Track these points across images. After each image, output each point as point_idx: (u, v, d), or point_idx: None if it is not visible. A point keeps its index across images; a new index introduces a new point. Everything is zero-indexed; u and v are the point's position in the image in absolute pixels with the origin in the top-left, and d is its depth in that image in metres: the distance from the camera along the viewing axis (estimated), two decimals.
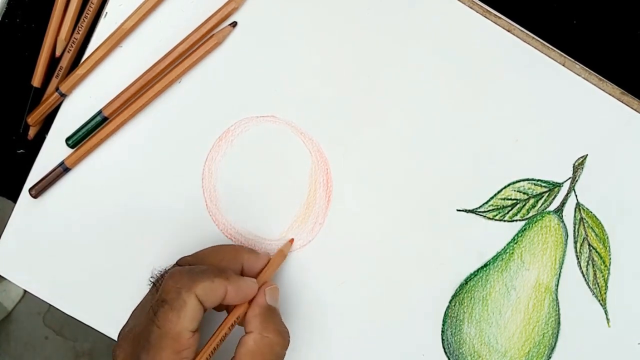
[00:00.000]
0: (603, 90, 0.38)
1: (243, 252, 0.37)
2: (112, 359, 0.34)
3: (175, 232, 0.41)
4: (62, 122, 0.42)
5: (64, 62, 0.41)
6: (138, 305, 0.36)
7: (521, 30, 0.38)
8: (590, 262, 0.39)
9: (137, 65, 0.40)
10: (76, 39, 0.41)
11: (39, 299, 0.43)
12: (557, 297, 0.39)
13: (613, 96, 0.38)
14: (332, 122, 0.40)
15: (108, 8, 0.41)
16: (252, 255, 0.37)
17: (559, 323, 0.39)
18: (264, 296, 0.35)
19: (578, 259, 0.39)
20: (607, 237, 0.39)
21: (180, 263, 0.36)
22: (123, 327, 0.35)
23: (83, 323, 0.42)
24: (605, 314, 0.39)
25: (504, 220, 0.39)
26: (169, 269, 0.35)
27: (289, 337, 0.35)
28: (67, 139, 0.41)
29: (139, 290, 0.40)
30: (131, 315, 0.36)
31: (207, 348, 0.33)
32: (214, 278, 0.33)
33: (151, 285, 0.36)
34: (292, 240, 0.40)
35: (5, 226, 0.43)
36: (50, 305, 0.43)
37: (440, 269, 0.40)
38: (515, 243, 0.39)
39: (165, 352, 0.31)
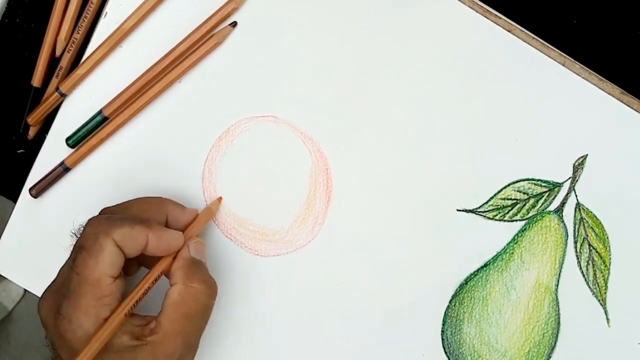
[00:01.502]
0: (603, 90, 0.38)
1: (168, 203, 0.37)
2: (38, 313, 0.34)
3: None
4: (62, 122, 0.42)
5: (64, 62, 0.41)
6: (62, 265, 0.35)
7: (521, 30, 0.38)
8: (590, 262, 0.39)
9: (137, 65, 0.40)
10: (76, 39, 0.41)
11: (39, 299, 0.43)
12: (557, 297, 0.39)
13: (613, 96, 0.38)
14: (332, 122, 0.40)
15: (108, 8, 0.41)
16: (177, 207, 0.37)
17: (559, 323, 0.39)
18: (188, 249, 0.35)
19: (578, 259, 0.39)
20: (607, 237, 0.39)
21: (102, 212, 0.36)
22: (46, 287, 0.35)
23: None
24: (605, 314, 0.39)
25: (504, 220, 0.39)
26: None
27: (216, 287, 0.35)
28: (67, 139, 0.41)
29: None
30: (58, 273, 0.35)
31: (130, 299, 0.32)
32: (133, 225, 0.32)
33: (73, 237, 0.35)
34: (220, 199, 0.40)
35: (5, 226, 0.43)
36: None
37: (440, 269, 0.40)
38: (515, 243, 0.39)
39: (85, 298, 0.31)
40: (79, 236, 0.34)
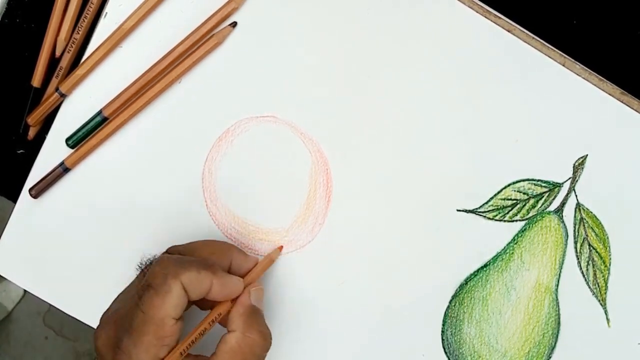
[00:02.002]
0: (603, 90, 0.38)
1: (233, 250, 0.38)
2: (94, 341, 0.34)
3: (175, 232, 0.41)
4: (62, 122, 0.42)
5: (64, 62, 0.41)
6: (123, 290, 0.36)
7: (521, 30, 0.38)
8: (590, 262, 0.39)
9: (137, 65, 0.40)
10: (76, 39, 0.41)
11: (39, 299, 0.43)
12: (557, 297, 0.39)
13: (613, 96, 0.38)
14: (332, 122, 0.40)
15: (108, 8, 0.41)
16: (241, 254, 0.38)
17: (559, 323, 0.39)
18: (249, 296, 0.35)
19: (578, 259, 0.39)
20: (607, 237, 0.39)
21: (170, 251, 0.36)
22: (106, 311, 0.35)
23: (83, 323, 0.42)
24: (605, 314, 0.39)
25: (504, 221, 0.39)
26: (157, 256, 0.36)
27: (271, 339, 0.35)
28: (67, 139, 0.41)
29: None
30: (115, 299, 0.36)
31: (186, 340, 0.33)
32: (200, 269, 0.33)
33: (139, 270, 0.36)
34: (281, 248, 0.41)
35: (5, 226, 0.43)
36: (50, 305, 0.43)
37: (440, 269, 0.40)
38: (515, 243, 0.39)
39: (147, 337, 0.31)
40: (144, 268, 0.35)
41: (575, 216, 0.39)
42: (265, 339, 0.35)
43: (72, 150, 0.41)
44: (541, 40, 0.38)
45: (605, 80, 0.38)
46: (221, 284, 0.34)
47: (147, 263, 0.36)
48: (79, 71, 0.41)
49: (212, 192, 0.41)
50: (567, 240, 0.39)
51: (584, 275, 0.39)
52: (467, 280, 0.40)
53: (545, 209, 0.39)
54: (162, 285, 0.32)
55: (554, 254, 0.39)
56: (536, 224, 0.39)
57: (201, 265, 0.33)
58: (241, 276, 0.37)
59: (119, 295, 0.36)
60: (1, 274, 0.43)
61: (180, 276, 0.32)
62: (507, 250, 0.39)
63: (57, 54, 0.41)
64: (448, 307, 0.40)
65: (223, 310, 0.35)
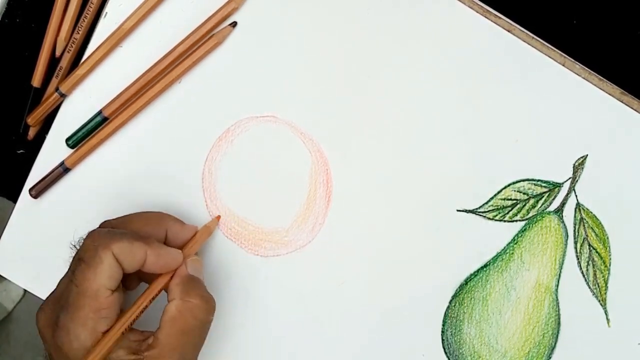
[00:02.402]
0: (603, 90, 0.38)
1: (168, 219, 0.37)
2: (36, 324, 0.34)
3: None
4: (62, 122, 0.42)
5: (64, 62, 0.41)
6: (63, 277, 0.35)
7: (521, 30, 0.38)
8: (590, 262, 0.39)
9: (137, 65, 0.40)
10: (76, 39, 0.41)
11: (39, 299, 0.43)
12: (557, 297, 0.39)
13: (613, 96, 0.38)
14: (332, 122, 0.40)
15: (108, 8, 0.41)
16: (177, 223, 0.37)
17: (559, 323, 0.39)
18: (186, 267, 0.35)
19: (578, 259, 0.39)
20: (607, 237, 0.39)
21: (103, 226, 0.36)
22: (45, 298, 0.35)
23: None
24: (605, 314, 0.39)
25: (504, 221, 0.39)
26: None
27: (214, 303, 0.35)
28: (67, 139, 0.41)
29: (139, 289, 0.40)
30: (57, 284, 0.35)
31: (129, 317, 0.33)
32: (132, 240, 0.33)
33: (74, 250, 0.35)
34: (218, 217, 0.40)
35: (5, 226, 0.43)
36: None
37: (440, 269, 0.40)
38: (515, 243, 0.39)
39: (83, 311, 0.31)
40: (78, 248, 0.34)
41: (575, 216, 0.39)
42: (207, 302, 0.34)
43: (72, 150, 0.41)
44: (541, 40, 0.38)
45: (605, 80, 0.38)
46: (156, 255, 0.33)
47: (79, 241, 0.35)
48: (79, 71, 0.41)
49: (212, 192, 0.41)
50: (567, 240, 0.39)
51: (584, 275, 0.39)
52: (467, 280, 0.40)
53: (545, 209, 0.39)
54: (93, 257, 0.32)
55: (554, 254, 0.39)
56: (536, 224, 0.39)
57: (133, 237, 0.33)
58: (179, 247, 0.36)
59: (59, 280, 0.35)
60: (1, 274, 0.43)
61: (112, 247, 0.32)
62: (507, 251, 0.39)
63: (57, 54, 0.41)
64: (448, 307, 0.40)
65: (163, 283, 0.34)
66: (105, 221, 0.36)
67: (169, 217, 0.38)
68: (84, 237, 0.34)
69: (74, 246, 0.35)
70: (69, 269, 0.33)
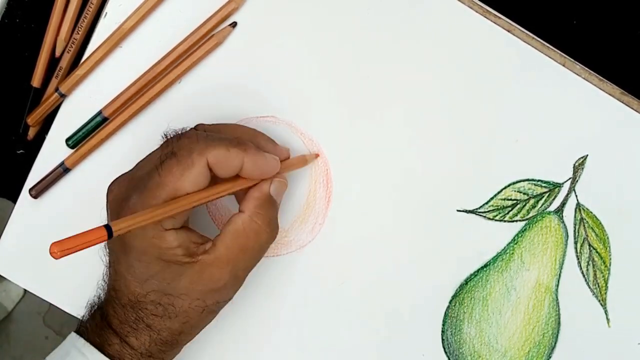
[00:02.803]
0: (603, 90, 0.38)
1: (261, 136, 0.37)
2: (106, 194, 0.34)
3: None
4: (62, 122, 0.42)
5: (64, 62, 0.41)
6: (143, 159, 0.35)
7: (521, 30, 0.38)
8: (590, 262, 0.39)
9: (137, 65, 0.40)
10: (76, 39, 0.41)
11: (39, 299, 0.43)
12: (557, 297, 0.39)
13: (613, 96, 0.38)
14: (332, 122, 0.40)
15: (108, 8, 0.41)
16: (269, 142, 0.37)
17: (559, 323, 0.39)
18: (269, 184, 0.34)
19: (578, 259, 0.39)
20: (608, 238, 0.39)
21: (197, 128, 0.36)
22: (121, 174, 0.35)
23: None
24: (605, 314, 0.39)
25: (504, 221, 0.39)
26: (184, 129, 0.35)
27: (277, 232, 0.35)
28: (67, 139, 0.41)
29: None
30: (135, 165, 0.35)
31: (199, 197, 0.32)
32: (230, 147, 0.32)
33: (164, 139, 0.35)
34: (317, 155, 0.40)
35: (5, 226, 0.43)
36: (51, 305, 0.43)
37: (440, 269, 0.40)
38: (516, 243, 0.39)
39: (156, 201, 0.31)
40: (168, 139, 0.34)
41: (575, 216, 0.39)
42: (272, 229, 0.34)
43: (72, 150, 0.41)
44: (541, 40, 0.38)
45: (605, 80, 0.38)
46: (253, 162, 0.33)
47: (173, 134, 0.35)
48: (79, 71, 0.41)
49: None
50: (567, 240, 0.39)
51: (584, 275, 0.39)
52: (467, 280, 0.40)
53: (546, 209, 0.39)
54: (186, 158, 0.31)
55: (554, 254, 0.39)
56: (536, 224, 0.39)
57: (231, 143, 0.32)
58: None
59: (137, 163, 0.35)
60: (1, 274, 0.43)
61: (207, 153, 0.32)
62: (507, 251, 0.39)
63: (57, 54, 0.41)
64: (448, 307, 0.40)
65: (247, 185, 0.34)
66: (199, 124, 0.35)
67: (262, 134, 0.37)
68: (179, 130, 0.34)
69: (165, 135, 0.35)
70: (156, 155, 0.33)
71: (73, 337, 0.34)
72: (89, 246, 0.26)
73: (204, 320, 0.35)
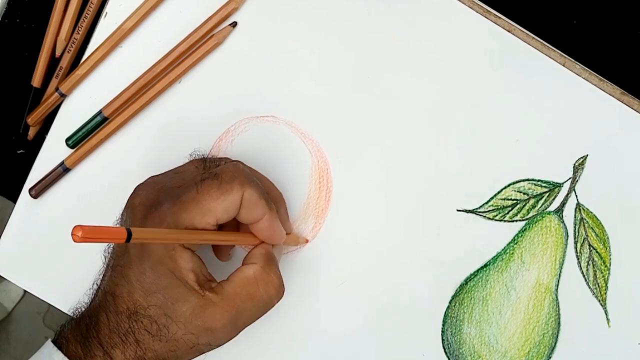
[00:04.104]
0: (603, 90, 0.38)
1: (282, 204, 0.38)
2: (130, 197, 0.34)
3: None
4: (62, 122, 0.42)
5: (64, 62, 0.41)
6: (170, 170, 0.36)
7: (521, 30, 0.38)
8: (590, 262, 0.39)
9: (137, 65, 0.40)
10: (76, 39, 0.41)
11: (39, 299, 0.43)
12: (557, 297, 0.39)
13: (613, 96, 0.38)
14: (333, 122, 0.40)
15: (108, 8, 0.41)
16: (287, 215, 0.38)
17: (559, 323, 0.39)
18: (271, 247, 0.35)
19: (578, 259, 0.39)
20: (608, 238, 0.39)
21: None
22: (144, 181, 0.35)
23: None
24: (606, 314, 0.39)
25: (504, 221, 0.39)
26: (223, 158, 0.36)
27: (283, 292, 0.35)
28: (67, 139, 0.41)
29: None
30: (156, 175, 0.35)
31: (216, 234, 0.32)
32: (262, 196, 0.33)
33: (194, 158, 0.36)
34: (307, 240, 0.41)
35: (5, 226, 0.43)
36: (50, 305, 0.43)
37: (440, 269, 0.40)
38: (516, 243, 0.39)
39: (188, 216, 0.31)
40: (205, 161, 0.35)
41: (575, 216, 0.39)
42: (281, 285, 0.34)
43: (72, 150, 0.41)
44: (541, 40, 0.38)
45: (605, 80, 0.38)
46: (269, 222, 0.33)
47: (210, 157, 0.35)
48: (79, 71, 0.41)
49: None
50: (567, 240, 0.39)
51: (584, 276, 0.39)
52: (467, 280, 0.40)
53: (546, 209, 0.39)
54: (228, 183, 0.32)
55: (554, 254, 0.39)
56: (536, 224, 0.39)
57: (264, 193, 0.33)
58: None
59: (161, 174, 0.36)
60: (1, 274, 0.43)
61: (246, 188, 0.32)
62: (507, 250, 0.39)
63: (57, 54, 0.41)
64: (448, 307, 0.40)
65: (248, 241, 0.35)
66: (244, 164, 0.36)
67: (285, 205, 0.38)
68: (216, 157, 0.34)
69: (197, 155, 0.36)
70: (197, 171, 0.34)
71: (50, 348, 0.33)
72: (107, 242, 0.26)
73: (189, 356, 0.34)
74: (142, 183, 0.35)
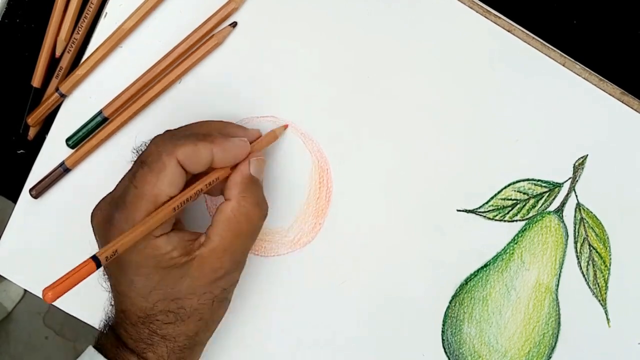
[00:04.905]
0: (603, 90, 0.38)
1: (230, 125, 0.37)
2: (90, 221, 0.34)
3: None
4: (62, 122, 0.42)
5: (64, 62, 0.41)
6: (122, 178, 0.35)
7: (521, 30, 0.38)
8: (590, 262, 0.39)
9: (137, 65, 0.40)
10: (76, 39, 0.41)
11: (39, 299, 0.42)
12: (557, 297, 0.39)
13: (613, 96, 0.38)
14: (332, 122, 0.40)
15: (108, 8, 0.41)
16: (239, 128, 0.37)
17: (559, 323, 0.39)
18: (248, 165, 0.35)
19: (578, 259, 0.39)
20: (608, 237, 0.39)
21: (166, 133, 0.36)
22: (102, 198, 0.35)
23: (83, 323, 0.42)
24: (606, 314, 0.39)
25: (504, 221, 0.39)
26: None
27: (267, 208, 0.35)
28: (67, 139, 0.41)
29: None
30: (116, 185, 0.35)
31: (181, 196, 0.32)
32: (197, 142, 0.32)
33: (135, 154, 0.35)
34: (286, 126, 0.40)
35: (5, 226, 0.43)
36: (50, 305, 0.43)
37: (440, 269, 0.40)
38: (516, 243, 0.39)
39: (139, 212, 0.31)
40: (139, 151, 0.34)
41: (575, 216, 0.39)
42: (261, 209, 0.34)
43: (72, 150, 0.41)
44: (541, 40, 0.38)
45: (605, 80, 0.38)
46: (222, 150, 0.33)
47: (142, 145, 0.35)
48: (79, 71, 0.41)
49: None
50: (567, 240, 0.39)
51: (584, 275, 0.39)
52: (467, 280, 0.40)
53: (546, 209, 0.39)
54: (156, 162, 0.31)
55: (554, 254, 0.39)
56: (536, 224, 0.39)
57: (197, 138, 0.32)
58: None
59: (119, 182, 0.35)
60: (1, 274, 0.43)
61: (176, 152, 0.31)
62: (507, 250, 0.40)
63: (57, 54, 0.41)
64: (448, 307, 0.40)
65: (221, 175, 0.34)
66: (167, 130, 0.36)
67: (231, 123, 0.37)
68: (147, 141, 0.34)
69: (136, 151, 0.35)
70: (129, 171, 0.33)
71: (91, 352, 0.34)
72: (81, 281, 0.26)
73: (217, 312, 0.35)
74: (96, 205, 0.35)
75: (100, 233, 0.34)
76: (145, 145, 0.34)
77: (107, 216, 0.33)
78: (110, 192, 0.35)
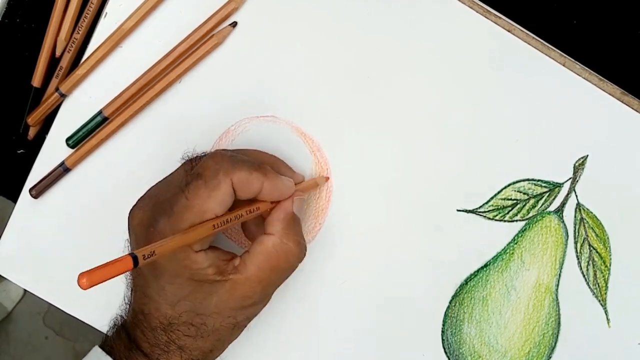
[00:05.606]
0: (603, 90, 0.38)
1: (281, 163, 0.38)
2: (129, 220, 0.34)
3: None
4: (62, 122, 0.42)
5: (64, 62, 0.41)
6: (162, 180, 0.35)
7: (521, 30, 0.38)
8: (590, 262, 0.39)
9: (137, 65, 0.40)
10: (76, 39, 0.41)
11: (39, 299, 0.43)
12: (557, 298, 0.39)
13: (613, 96, 0.38)
14: (333, 122, 0.40)
15: (108, 8, 0.41)
16: (288, 169, 0.38)
17: (559, 323, 0.39)
18: (292, 203, 0.35)
19: (578, 259, 0.39)
20: (608, 238, 0.39)
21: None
22: (142, 196, 0.35)
23: (83, 323, 0.42)
24: (606, 314, 0.39)
25: (504, 221, 0.39)
26: (207, 152, 0.35)
27: (306, 250, 0.35)
28: (68, 139, 0.41)
29: None
30: (153, 186, 0.35)
31: (223, 217, 0.32)
32: (252, 170, 0.33)
33: (184, 161, 0.35)
34: (327, 178, 0.40)
35: (5, 226, 0.43)
36: (50, 305, 0.43)
37: (440, 269, 0.40)
38: (516, 243, 0.39)
39: (184, 223, 0.31)
40: (192, 159, 0.34)
41: (575, 216, 0.39)
42: (301, 250, 0.35)
43: (72, 150, 0.41)
44: (541, 40, 0.38)
45: (605, 80, 0.38)
46: (272, 185, 0.33)
47: (194, 156, 0.35)
48: (79, 71, 0.41)
49: None
50: (567, 240, 0.39)
51: (584, 276, 0.39)
52: (467, 280, 0.40)
53: (546, 209, 0.39)
54: (213, 178, 0.32)
55: (554, 254, 0.39)
56: (536, 224, 0.39)
57: (253, 167, 0.33)
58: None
59: (157, 183, 0.35)
60: (1, 274, 0.43)
61: (232, 174, 0.32)
62: (507, 250, 0.39)
63: (57, 54, 0.41)
64: (448, 307, 0.40)
65: (262, 206, 0.34)
66: (221, 149, 0.36)
67: (281, 161, 0.38)
68: (199, 153, 0.34)
69: (188, 157, 0.35)
70: (180, 176, 0.33)
71: (98, 353, 0.34)
72: (116, 275, 0.26)
73: (233, 335, 0.35)
74: (138, 200, 0.35)
75: (139, 233, 0.33)
76: (196, 155, 0.35)
77: (150, 219, 0.33)
78: (149, 192, 0.35)
